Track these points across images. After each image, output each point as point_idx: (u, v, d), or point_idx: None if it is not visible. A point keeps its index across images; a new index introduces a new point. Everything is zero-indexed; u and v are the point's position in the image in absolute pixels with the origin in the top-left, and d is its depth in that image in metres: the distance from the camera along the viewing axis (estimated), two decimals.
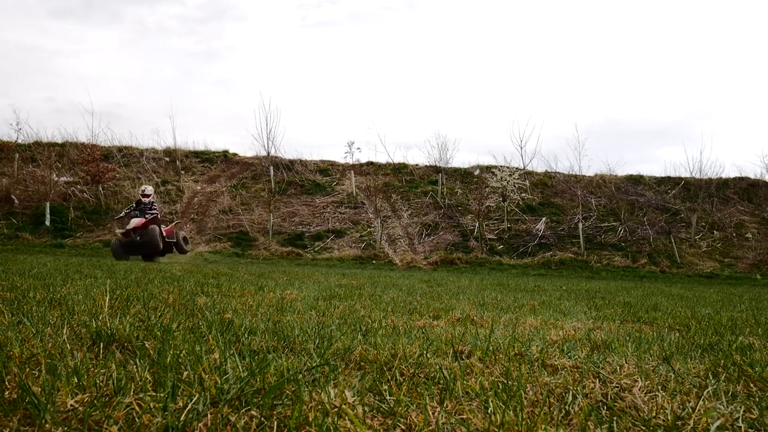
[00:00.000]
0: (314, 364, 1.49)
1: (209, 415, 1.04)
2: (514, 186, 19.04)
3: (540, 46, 47.62)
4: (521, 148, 20.92)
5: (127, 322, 1.94)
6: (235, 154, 22.31)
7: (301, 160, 21.93)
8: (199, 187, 20.06)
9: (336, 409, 1.10)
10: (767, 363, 1.79)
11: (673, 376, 1.60)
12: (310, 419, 1.05)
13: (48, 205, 17.21)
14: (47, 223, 16.95)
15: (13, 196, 17.80)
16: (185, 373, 1.30)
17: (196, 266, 9.09)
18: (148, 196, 12.52)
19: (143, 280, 4.65)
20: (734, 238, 18.42)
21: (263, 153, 21.47)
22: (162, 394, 1.14)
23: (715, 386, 1.47)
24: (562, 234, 17.97)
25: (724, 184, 21.09)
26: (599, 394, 1.39)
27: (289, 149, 30.36)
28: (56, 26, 45.94)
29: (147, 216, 12.32)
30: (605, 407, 1.28)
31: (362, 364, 1.60)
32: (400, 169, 21.77)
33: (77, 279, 4.44)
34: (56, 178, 18.72)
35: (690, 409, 1.24)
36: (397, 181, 21.00)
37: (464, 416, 1.15)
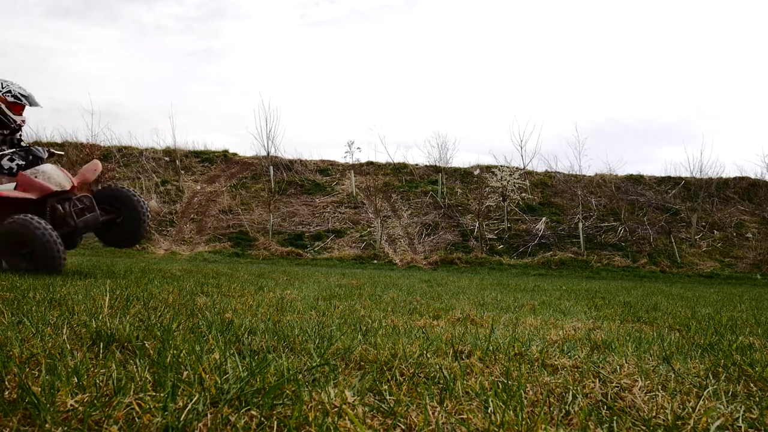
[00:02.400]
0: (314, 364, 1.49)
1: (209, 415, 1.04)
2: (514, 186, 19.03)
3: (540, 46, 47.61)
4: (521, 148, 20.92)
5: (127, 322, 1.94)
6: (234, 154, 22.31)
7: (301, 160, 21.92)
8: (198, 187, 20.06)
9: (336, 409, 1.10)
10: (767, 363, 1.79)
11: (673, 376, 1.60)
12: (310, 419, 1.05)
13: None
14: None
15: None
16: (185, 373, 1.30)
17: (196, 266, 9.09)
18: (20, 106, 5.23)
19: (143, 280, 4.65)
20: (734, 238, 18.41)
21: (263, 153, 21.46)
22: (162, 394, 1.13)
23: (715, 386, 1.47)
24: (562, 234, 17.97)
25: (724, 183, 21.08)
26: (599, 393, 1.39)
27: (288, 149, 30.30)
28: (54, 25, 45.91)
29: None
30: (605, 407, 1.28)
31: (362, 363, 1.60)
32: (400, 168, 21.77)
33: (77, 279, 4.44)
34: None
35: (690, 409, 1.24)
36: (397, 181, 21.00)
37: (464, 416, 1.15)
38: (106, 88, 41.08)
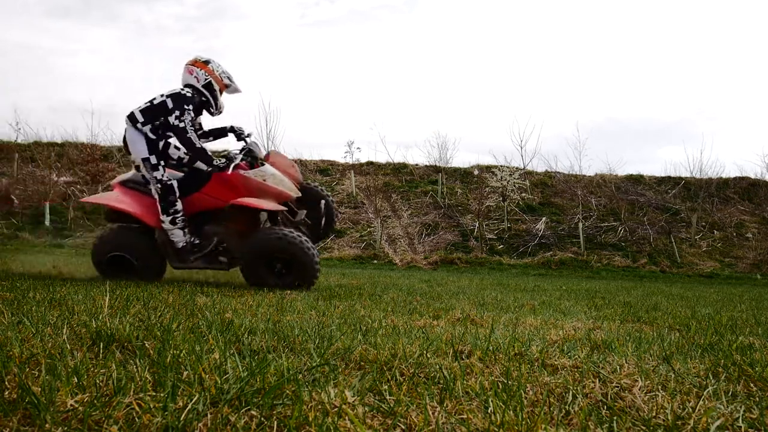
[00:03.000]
0: (314, 364, 1.49)
1: (209, 415, 1.04)
2: (514, 186, 19.04)
3: (540, 46, 47.60)
4: (521, 148, 20.94)
5: (127, 322, 1.94)
6: None
7: (300, 160, 21.92)
8: None
9: (336, 409, 1.10)
10: (767, 363, 1.79)
11: (673, 375, 1.60)
12: (310, 419, 1.05)
13: (48, 205, 17.23)
14: (47, 223, 16.95)
15: (13, 196, 17.81)
16: (185, 373, 1.30)
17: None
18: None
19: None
20: (734, 238, 18.41)
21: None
22: (162, 394, 1.13)
23: (715, 386, 1.47)
24: (562, 234, 17.97)
25: (724, 183, 21.08)
26: (599, 393, 1.39)
27: (288, 149, 30.26)
28: (54, 25, 45.88)
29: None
30: (605, 407, 1.28)
31: (362, 363, 1.59)
32: (400, 168, 21.77)
33: (77, 279, 4.44)
34: (56, 178, 18.73)
35: (690, 409, 1.24)
36: (397, 181, 21.00)
37: (464, 416, 1.15)
38: (105, 88, 41.00)
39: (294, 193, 4.75)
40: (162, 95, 4.51)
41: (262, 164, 4.68)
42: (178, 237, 4.54)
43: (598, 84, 44.35)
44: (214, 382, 1.22)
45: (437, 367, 1.54)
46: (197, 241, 4.62)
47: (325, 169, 21.75)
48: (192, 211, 4.62)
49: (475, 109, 40.88)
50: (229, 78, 4.73)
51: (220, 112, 4.79)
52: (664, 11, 46.42)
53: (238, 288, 4.30)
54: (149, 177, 4.49)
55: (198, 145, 4.47)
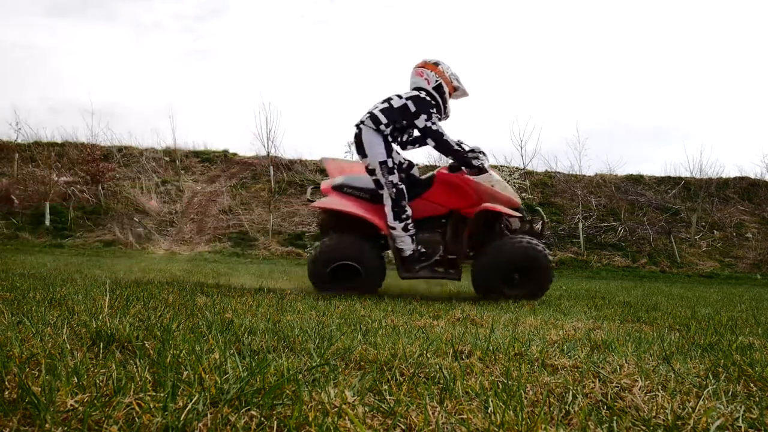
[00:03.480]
0: (314, 364, 1.49)
1: (209, 415, 1.04)
2: (514, 186, 19.04)
3: (540, 46, 47.63)
4: (521, 148, 20.92)
5: (127, 322, 1.94)
6: (234, 154, 22.32)
7: (301, 160, 21.92)
8: (199, 187, 20.06)
9: (336, 409, 1.10)
10: (767, 363, 1.79)
11: (673, 375, 1.60)
12: (310, 419, 1.05)
13: (48, 205, 17.24)
14: (47, 223, 16.96)
15: (13, 196, 17.82)
16: (185, 373, 1.30)
17: (196, 266, 9.09)
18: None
19: (143, 279, 4.65)
20: (734, 238, 18.41)
21: (263, 153, 21.46)
22: (162, 394, 1.13)
23: (715, 386, 1.47)
24: (562, 234, 17.97)
25: (724, 183, 21.09)
26: (599, 393, 1.39)
27: (289, 149, 30.22)
28: (52, 24, 45.83)
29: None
30: (605, 407, 1.28)
31: (362, 363, 1.60)
32: None
33: (77, 279, 4.44)
34: (56, 178, 18.74)
35: (690, 409, 1.24)
36: None
37: (464, 416, 1.15)
38: (106, 88, 40.91)
39: (518, 199, 4.54)
40: (400, 97, 4.34)
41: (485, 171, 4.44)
42: (407, 245, 4.32)
43: (599, 84, 44.32)
44: (214, 382, 1.23)
45: (437, 367, 1.54)
46: (423, 250, 4.39)
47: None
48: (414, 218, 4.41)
49: (475, 109, 40.86)
50: (457, 80, 4.52)
51: (448, 117, 4.57)
52: (664, 11, 46.43)
53: (238, 288, 4.30)
54: (384, 181, 4.27)
55: (456, 147, 4.30)
